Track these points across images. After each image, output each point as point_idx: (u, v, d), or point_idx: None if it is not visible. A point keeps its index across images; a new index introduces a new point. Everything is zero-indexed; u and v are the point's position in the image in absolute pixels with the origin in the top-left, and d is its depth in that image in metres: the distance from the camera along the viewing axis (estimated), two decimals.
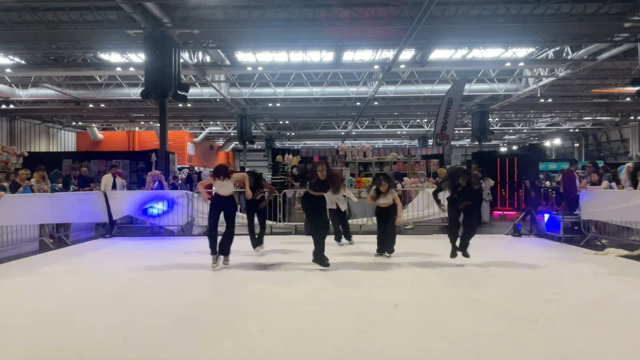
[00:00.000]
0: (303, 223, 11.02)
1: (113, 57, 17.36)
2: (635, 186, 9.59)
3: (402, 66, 17.69)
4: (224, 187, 7.66)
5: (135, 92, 21.54)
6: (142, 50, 13.92)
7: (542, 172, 19.92)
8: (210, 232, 7.60)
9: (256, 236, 8.79)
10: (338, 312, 5.04)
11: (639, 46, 13.76)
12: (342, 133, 37.10)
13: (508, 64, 18.04)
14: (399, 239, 8.60)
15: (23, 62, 17.79)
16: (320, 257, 7.26)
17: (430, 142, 27.16)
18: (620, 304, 5.36)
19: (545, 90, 21.87)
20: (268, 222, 10.41)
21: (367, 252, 8.58)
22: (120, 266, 7.66)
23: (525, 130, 38.71)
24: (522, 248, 9.47)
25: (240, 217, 9.54)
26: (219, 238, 7.54)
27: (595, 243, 9.66)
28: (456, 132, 31.04)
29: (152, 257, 8.37)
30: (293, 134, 37.85)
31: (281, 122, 34.17)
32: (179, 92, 13.68)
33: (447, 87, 19.40)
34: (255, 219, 8.87)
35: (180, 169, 21.24)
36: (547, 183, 17.55)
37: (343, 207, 9.73)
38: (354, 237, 10.05)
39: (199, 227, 11.67)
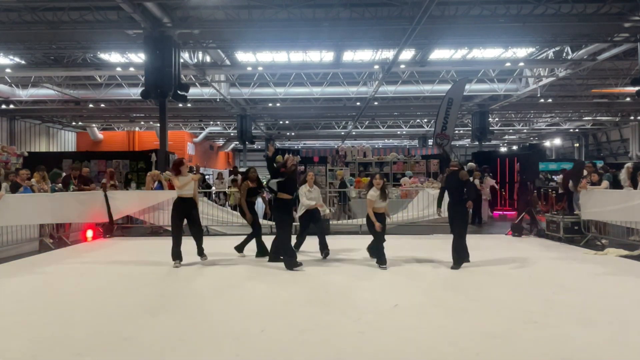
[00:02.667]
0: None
1: (113, 57, 17.37)
2: (635, 186, 9.59)
3: (402, 66, 17.68)
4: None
5: (135, 92, 21.56)
6: (142, 50, 13.92)
7: (542, 172, 19.91)
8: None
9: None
10: (338, 313, 5.03)
11: (639, 46, 13.76)
12: (342, 133, 37.10)
13: (508, 64, 18.04)
14: (400, 238, 8.58)
15: (23, 62, 17.80)
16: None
17: (431, 142, 27.17)
18: (620, 304, 5.35)
19: (545, 90, 21.87)
20: (268, 222, 10.38)
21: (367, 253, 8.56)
22: (120, 266, 7.66)
23: (525, 130, 38.70)
24: (522, 248, 9.46)
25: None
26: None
27: (595, 243, 9.67)
28: (456, 132, 31.00)
29: (152, 258, 8.36)
30: (293, 134, 37.85)
31: (281, 122, 34.16)
32: (179, 92, 13.68)
33: (447, 87, 19.40)
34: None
35: None
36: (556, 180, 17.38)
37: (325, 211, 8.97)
38: (355, 239, 9.95)
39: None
